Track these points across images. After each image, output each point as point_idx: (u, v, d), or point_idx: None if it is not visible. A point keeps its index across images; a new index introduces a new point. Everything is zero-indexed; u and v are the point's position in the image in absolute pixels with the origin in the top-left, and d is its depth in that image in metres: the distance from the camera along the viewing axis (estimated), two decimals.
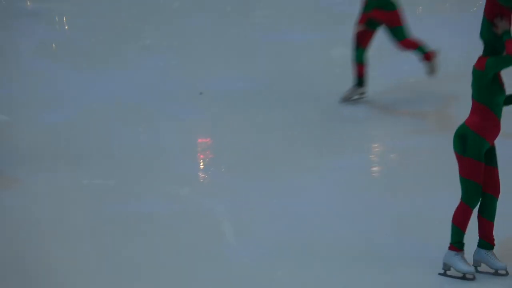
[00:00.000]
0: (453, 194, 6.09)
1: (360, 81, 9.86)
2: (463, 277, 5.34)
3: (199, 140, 9.66)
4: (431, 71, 9.90)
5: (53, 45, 12.68)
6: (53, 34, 13.17)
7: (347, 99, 9.63)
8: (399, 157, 9.23)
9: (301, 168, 8.36)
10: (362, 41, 9.90)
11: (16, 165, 8.61)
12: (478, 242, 5.33)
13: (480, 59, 5.27)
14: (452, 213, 5.34)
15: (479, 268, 5.23)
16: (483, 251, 5.19)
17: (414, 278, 5.57)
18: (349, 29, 10.66)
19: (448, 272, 5.36)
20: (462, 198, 5.41)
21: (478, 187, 5.16)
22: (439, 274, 5.46)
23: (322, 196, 7.53)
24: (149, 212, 7.13)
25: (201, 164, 9.42)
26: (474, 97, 5.51)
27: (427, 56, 9.89)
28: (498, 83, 5.28)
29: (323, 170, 8.22)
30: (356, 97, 9.93)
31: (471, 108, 5.50)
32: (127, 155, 9.16)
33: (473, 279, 5.41)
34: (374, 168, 9.20)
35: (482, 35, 6.45)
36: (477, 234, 5.29)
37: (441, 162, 7.95)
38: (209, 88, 10.33)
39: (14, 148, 8.99)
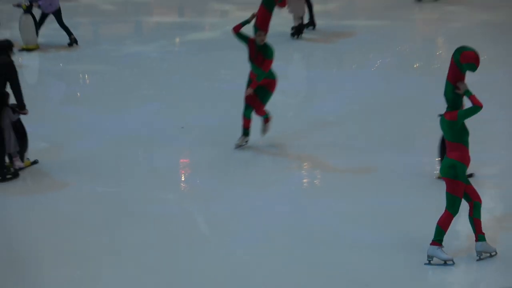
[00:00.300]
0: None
1: (246, 131, 11.77)
2: (445, 264, 7.49)
3: (181, 160, 12.55)
4: (265, 131, 12.01)
5: (78, 94, 15.35)
6: (76, 87, 15.85)
7: (238, 146, 11.70)
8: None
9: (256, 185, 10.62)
10: (251, 102, 11.72)
11: (63, 175, 11.68)
12: (478, 237, 7.38)
13: (449, 112, 7.52)
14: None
15: (481, 256, 7.46)
16: (484, 243, 7.30)
17: (407, 267, 7.79)
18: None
19: (432, 262, 7.51)
20: (448, 208, 7.51)
21: (460, 201, 7.26)
22: (425, 264, 7.58)
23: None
24: (144, 211, 9.61)
25: (183, 176, 11.87)
26: (450, 139, 7.77)
27: (267, 120, 11.91)
28: (465, 126, 7.40)
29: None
30: (244, 144, 11.93)
31: (449, 147, 7.80)
32: (131, 170, 11.37)
33: (453, 264, 7.45)
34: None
35: (446, 94, 7.84)
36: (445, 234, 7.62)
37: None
38: (189, 123, 12.59)
39: (60, 165, 12.08)
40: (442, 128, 8.17)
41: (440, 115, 8.08)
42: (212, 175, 11.09)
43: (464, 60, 7.82)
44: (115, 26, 20.81)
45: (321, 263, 8.08)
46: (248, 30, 12.51)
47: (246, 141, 11.75)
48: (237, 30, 11.65)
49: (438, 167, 10.20)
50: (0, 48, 10.91)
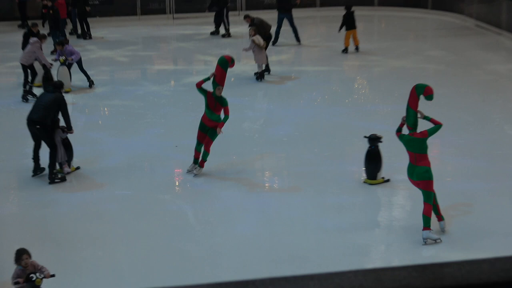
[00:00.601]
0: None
1: (195, 161, 13.63)
2: (435, 242, 10.24)
3: (176, 170, 14.95)
4: (191, 170, 13.77)
5: (100, 122, 18.14)
6: (98, 117, 18.89)
7: (189, 171, 13.76)
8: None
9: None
10: (201, 139, 13.58)
11: (95, 180, 14.38)
12: (441, 217, 10.29)
13: (419, 132, 10.17)
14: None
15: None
16: (442, 222, 10.20)
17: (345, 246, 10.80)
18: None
19: (427, 242, 10.17)
20: (426, 201, 10.01)
21: (433, 194, 9.87)
22: (423, 244, 10.27)
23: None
24: (149, 208, 12.72)
25: (177, 182, 14.81)
26: (419, 152, 10.23)
27: (202, 162, 13.68)
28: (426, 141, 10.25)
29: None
30: (193, 170, 13.72)
31: (418, 158, 10.19)
32: (140, 178, 14.09)
33: (440, 242, 10.21)
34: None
35: (409, 120, 10.39)
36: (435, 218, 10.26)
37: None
38: (181, 144, 15.33)
39: (93, 172, 14.46)
40: (410, 144, 10.57)
41: (404, 134, 10.71)
42: (199, 181, 13.72)
43: (426, 93, 10.44)
44: (127, 72, 23.60)
45: (278, 241, 11.08)
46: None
47: (195, 168, 13.62)
48: (199, 85, 13.31)
49: (364, 174, 13.25)
50: (56, 87, 14.12)
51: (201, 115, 13.57)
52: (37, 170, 13.69)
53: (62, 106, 13.44)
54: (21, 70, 19.31)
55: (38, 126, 13.30)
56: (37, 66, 19.01)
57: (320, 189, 13.21)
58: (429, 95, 10.91)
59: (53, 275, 8.94)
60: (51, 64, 18.79)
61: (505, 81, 21.65)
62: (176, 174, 15.04)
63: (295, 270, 10.00)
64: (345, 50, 23.02)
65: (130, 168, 15.08)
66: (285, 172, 15.31)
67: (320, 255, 10.66)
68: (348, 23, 22.86)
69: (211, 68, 15.95)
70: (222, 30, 26.17)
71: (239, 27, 26.42)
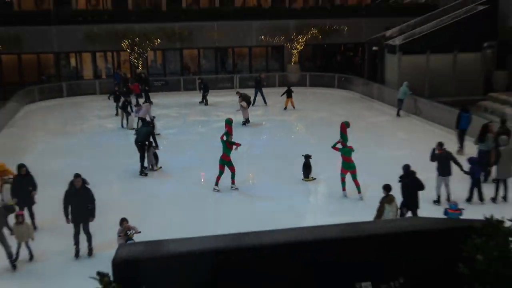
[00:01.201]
0: None
1: (217, 183, 16.91)
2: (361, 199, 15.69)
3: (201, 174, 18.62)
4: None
5: (164, 142, 19.57)
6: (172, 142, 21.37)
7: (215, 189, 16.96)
8: None
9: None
10: (222, 169, 16.99)
11: (167, 176, 18.63)
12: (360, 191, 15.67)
13: (349, 146, 15.86)
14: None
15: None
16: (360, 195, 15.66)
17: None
18: None
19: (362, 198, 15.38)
20: (355, 179, 15.56)
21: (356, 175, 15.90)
22: (360, 199, 15.60)
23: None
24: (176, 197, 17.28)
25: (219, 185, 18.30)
26: (350, 155, 15.81)
27: (233, 181, 17.00)
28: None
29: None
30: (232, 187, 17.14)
31: (349, 159, 15.61)
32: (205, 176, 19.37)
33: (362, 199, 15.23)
34: None
35: (344, 139, 16.21)
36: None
37: None
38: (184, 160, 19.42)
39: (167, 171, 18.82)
40: (346, 152, 15.76)
41: (342, 148, 15.84)
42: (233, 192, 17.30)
43: (348, 125, 16.09)
44: (178, 121, 27.94)
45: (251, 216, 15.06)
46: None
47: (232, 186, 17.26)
48: (221, 138, 17.22)
49: (303, 177, 17.81)
50: (148, 123, 20.53)
51: (220, 155, 17.06)
52: (142, 172, 19.07)
53: (152, 134, 19.38)
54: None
55: (140, 143, 18.85)
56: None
57: (278, 188, 17.40)
58: (349, 126, 16.57)
59: (139, 232, 12.01)
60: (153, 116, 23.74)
61: (375, 126, 26.62)
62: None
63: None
64: (285, 108, 29.36)
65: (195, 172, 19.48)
66: (260, 177, 18.99)
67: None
68: (288, 93, 29.18)
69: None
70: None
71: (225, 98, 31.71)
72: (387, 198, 12.55)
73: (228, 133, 17.17)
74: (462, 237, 2.46)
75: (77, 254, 12.61)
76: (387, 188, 12.68)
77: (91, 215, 12.70)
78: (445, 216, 12.21)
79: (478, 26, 31.54)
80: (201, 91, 30.48)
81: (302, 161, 18.13)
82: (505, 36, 32.27)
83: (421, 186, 13.27)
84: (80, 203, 12.56)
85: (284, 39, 36.57)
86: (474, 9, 32.36)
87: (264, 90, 31.27)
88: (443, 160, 15.39)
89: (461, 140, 20.83)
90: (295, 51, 36.87)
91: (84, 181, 12.76)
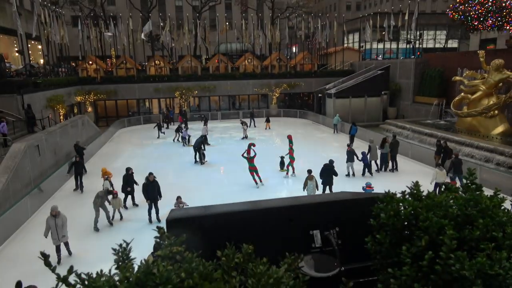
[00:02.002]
0: None
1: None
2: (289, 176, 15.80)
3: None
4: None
5: (207, 161, 23.19)
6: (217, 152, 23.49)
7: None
8: None
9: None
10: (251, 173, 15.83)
11: (210, 166, 19.50)
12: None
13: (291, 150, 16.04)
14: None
15: None
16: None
17: None
18: None
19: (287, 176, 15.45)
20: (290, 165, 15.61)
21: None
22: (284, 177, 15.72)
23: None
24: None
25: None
26: (293, 159, 15.89)
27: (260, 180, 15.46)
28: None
29: None
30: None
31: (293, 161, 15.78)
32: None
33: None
34: None
35: (292, 143, 16.76)
36: None
37: None
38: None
39: (215, 163, 20.00)
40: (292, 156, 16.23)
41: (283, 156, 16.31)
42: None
43: (291, 137, 16.57)
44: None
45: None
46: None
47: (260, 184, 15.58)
48: (242, 155, 15.85)
49: (279, 169, 17.31)
50: (201, 137, 19.00)
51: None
52: (196, 162, 19.21)
53: (203, 143, 19.25)
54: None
55: (196, 147, 18.85)
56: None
57: (265, 170, 16.39)
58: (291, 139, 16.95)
59: (187, 205, 10.97)
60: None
61: (321, 139, 25.79)
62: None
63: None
64: (265, 128, 29.11)
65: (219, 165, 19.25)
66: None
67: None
68: (267, 120, 29.23)
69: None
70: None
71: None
72: (309, 176, 13.15)
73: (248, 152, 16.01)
74: (372, 203, 2.41)
75: (150, 220, 12.36)
76: (309, 171, 13.32)
77: (160, 197, 12.52)
78: (363, 191, 12.39)
79: (378, 82, 31.91)
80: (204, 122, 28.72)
81: (279, 159, 18.01)
82: (393, 87, 32.49)
83: (335, 173, 13.97)
84: (152, 189, 12.30)
85: (268, 90, 36.54)
86: (375, 73, 32.55)
87: (256, 119, 31.48)
88: (349, 153, 16.72)
89: (351, 140, 22.33)
90: (274, 97, 36.77)
91: (154, 176, 12.54)
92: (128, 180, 13.50)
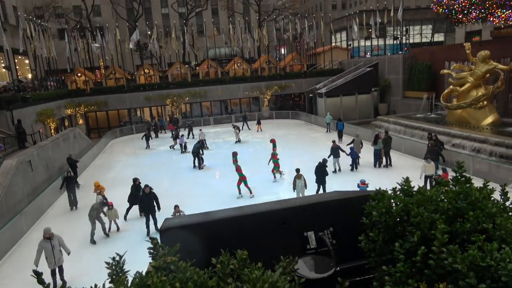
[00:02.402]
0: None
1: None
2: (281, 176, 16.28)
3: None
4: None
5: (209, 168, 23.14)
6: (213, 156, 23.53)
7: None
8: None
9: None
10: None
11: (208, 171, 19.19)
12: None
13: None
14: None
15: None
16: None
17: None
18: None
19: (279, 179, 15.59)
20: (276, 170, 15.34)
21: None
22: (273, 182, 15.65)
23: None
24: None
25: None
26: (277, 162, 15.70)
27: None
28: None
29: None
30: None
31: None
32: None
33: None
34: None
35: (275, 147, 16.28)
36: None
37: None
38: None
39: (209, 167, 20.22)
40: (275, 159, 16.05)
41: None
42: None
43: (274, 141, 16.07)
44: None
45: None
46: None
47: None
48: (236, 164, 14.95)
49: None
50: (198, 143, 20.37)
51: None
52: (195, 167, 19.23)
53: (203, 147, 19.58)
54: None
55: (195, 153, 18.80)
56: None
57: (257, 172, 16.67)
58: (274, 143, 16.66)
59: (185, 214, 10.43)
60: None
61: (314, 139, 25.49)
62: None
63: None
64: (257, 130, 29.11)
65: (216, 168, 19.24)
66: (249, 167, 16.63)
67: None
68: (258, 122, 29.33)
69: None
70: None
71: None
72: (297, 175, 13.22)
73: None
74: (364, 202, 2.41)
75: (148, 233, 11.88)
76: (297, 170, 13.35)
77: (158, 208, 12.00)
78: (358, 189, 12.38)
79: (368, 79, 32.15)
80: (189, 130, 29.40)
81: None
82: (382, 84, 32.68)
83: (326, 173, 13.98)
84: (148, 202, 11.86)
85: (259, 92, 36.56)
86: (364, 70, 32.82)
87: (249, 122, 31.51)
88: (334, 150, 17.08)
89: (339, 136, 23.52)
90: (265, 99, 36.83)
91: (150, 188, 11.99)
92: (137, 190, 13.15)
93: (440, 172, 13.79)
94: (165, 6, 58.05)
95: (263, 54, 42.77)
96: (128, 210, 13.24)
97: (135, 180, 13.49)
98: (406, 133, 23.43)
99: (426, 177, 13.59)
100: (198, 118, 35.41)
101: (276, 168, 16.46)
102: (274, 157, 16.46)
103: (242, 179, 14.58)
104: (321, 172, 13.85)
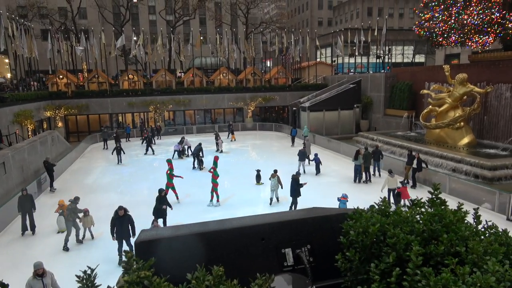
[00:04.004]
0: None
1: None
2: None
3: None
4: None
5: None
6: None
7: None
8: None
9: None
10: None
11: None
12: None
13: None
14: None
15: None
16: None
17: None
18: None
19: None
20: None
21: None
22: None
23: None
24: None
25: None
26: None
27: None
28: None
29: None
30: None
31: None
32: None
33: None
34: None
35: (215, 164, 15.17)
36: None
37: None
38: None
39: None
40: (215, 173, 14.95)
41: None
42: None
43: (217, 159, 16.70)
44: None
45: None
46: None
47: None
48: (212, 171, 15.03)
49: (255, 182, 17.52)
50: (196, 151, 19.40)
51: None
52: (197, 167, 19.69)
53: (201, 150, 20.32)
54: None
55: (195, 154, 19.86)
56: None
57: (246, 182, 16.81)
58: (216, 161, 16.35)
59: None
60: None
61: (295, 152, 22.76)
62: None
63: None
64: (231, 140, 29.09)
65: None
66: (231, 179, 17.75)
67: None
68: (232, 131, 29.45)
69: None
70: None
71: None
72: (272, 175, 14.75)
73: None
74: (342, 220, 2.42)
75: (120, 262, 10.19)
76: (274, 171, 14.97)
77: (133, 234, 10.25)
78: (338, 202, 12.42)
79: (350, 96, 32.75)
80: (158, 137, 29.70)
81: (255, 172, 17.70)
82: (365, 101, 33.31)
83: (300, 185, 13.86)
84: (120, 225, 10.18)
85: (243, 103, 36.69)
86: (348, 87, 33.36)
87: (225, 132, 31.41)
88: (301, 154, 19.56)
89: (292, 141, 27.51)
90: (249, 110, 36.94)
91: (125, 210, 10.33)
92: (161, 202, 11.97)
93: (399, 185, 14.36)
94: (153, 13, 57.94)
95: (249, 66, 43.15)
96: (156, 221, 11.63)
97: (161, 191, 12.06)
98: (385, 150, 23.84)
99: (389, 190, 14.31)
100: (181, 126, 35.16)
101: (215, 189, 14.97)
102: (214, 177, 15.07)
103: (215, 186, 14.86)
104: (294, 185, 13.75)
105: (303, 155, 19.42)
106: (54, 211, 13.11)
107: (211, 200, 14.86)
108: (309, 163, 20.35)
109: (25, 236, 12.47)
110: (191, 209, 14.44)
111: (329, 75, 42.02)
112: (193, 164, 20.86)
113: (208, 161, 20.31)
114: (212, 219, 3.13)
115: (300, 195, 13.78)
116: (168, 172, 15.30)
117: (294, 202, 13.73)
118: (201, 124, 36.65)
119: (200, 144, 21.51)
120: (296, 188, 13.67)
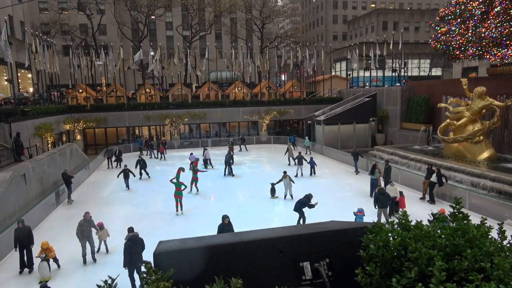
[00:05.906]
0: None
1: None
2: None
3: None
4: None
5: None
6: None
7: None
8: None
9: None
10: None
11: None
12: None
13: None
14: None
15: None
16: None
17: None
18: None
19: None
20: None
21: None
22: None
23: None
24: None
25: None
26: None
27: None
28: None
29: None
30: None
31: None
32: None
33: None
34: None
35: (177, 177, 15.23)
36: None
37: None
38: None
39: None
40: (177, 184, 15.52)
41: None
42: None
43: (183, 170, 16.47)
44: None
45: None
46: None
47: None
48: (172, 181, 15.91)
49: (270, 196, 17.01)
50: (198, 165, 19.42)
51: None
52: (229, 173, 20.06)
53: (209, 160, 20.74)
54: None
55: (227, 162, 20.93)
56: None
57: (255, 194, 16.79)
58: (183, 170, 17.11)
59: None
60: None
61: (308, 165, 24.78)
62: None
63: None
64: (239, 150, 29.29)
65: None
66: (246, 192, 18.20)
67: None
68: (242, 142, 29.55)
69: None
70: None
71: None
72: (284, 176, 16.73)
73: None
74: (361, 233, 2.39)
75: None
76: (284, 172, 17.03)
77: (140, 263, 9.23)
78: (354, 216, 12.23)
79: (366, 109, 32.52)
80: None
81: (269, 186, 17.58)
82: (380, 114, 33.07)
83: (310, 206, 13.27)
84: (128, 251, 9.22)
85: (258, 117, 36.88)
86: (363, 100, 33.22)
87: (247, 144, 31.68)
88: (299, 159, 21.63)
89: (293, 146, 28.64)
90: (264, 124, 37.09)
91: (137, 233, 9.55)
92: (223, 230, 10.22)
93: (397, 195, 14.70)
94: (170, 29, 59.30)
95: (263, 80, 43.42)
96: None
97: (224, 218, 10.37)
98: (403, 164, 23.47)
99: (375, 192, 14.73)
100: (196, 139, 35.47)
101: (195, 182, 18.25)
102: (177, 189, 15.41)
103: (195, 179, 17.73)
104: (300, 206, 13.43)
105: (301, 160, 21.39)
106: (36, 255, 10.85)
107: (177, 211, 15.19)
108: (295, 163, 22.38)
109: (23, 275, 10.72)
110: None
111: (344, 89, 41.97)
112: (224, 171, 22.06)
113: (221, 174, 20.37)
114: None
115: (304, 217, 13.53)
116: (192, 167, 18.19)
117: (302, 217, 13.45)
118: (216, 138, 36.93)
119: (229, 152, 23.01)
120: (307, 207, 13.32)
